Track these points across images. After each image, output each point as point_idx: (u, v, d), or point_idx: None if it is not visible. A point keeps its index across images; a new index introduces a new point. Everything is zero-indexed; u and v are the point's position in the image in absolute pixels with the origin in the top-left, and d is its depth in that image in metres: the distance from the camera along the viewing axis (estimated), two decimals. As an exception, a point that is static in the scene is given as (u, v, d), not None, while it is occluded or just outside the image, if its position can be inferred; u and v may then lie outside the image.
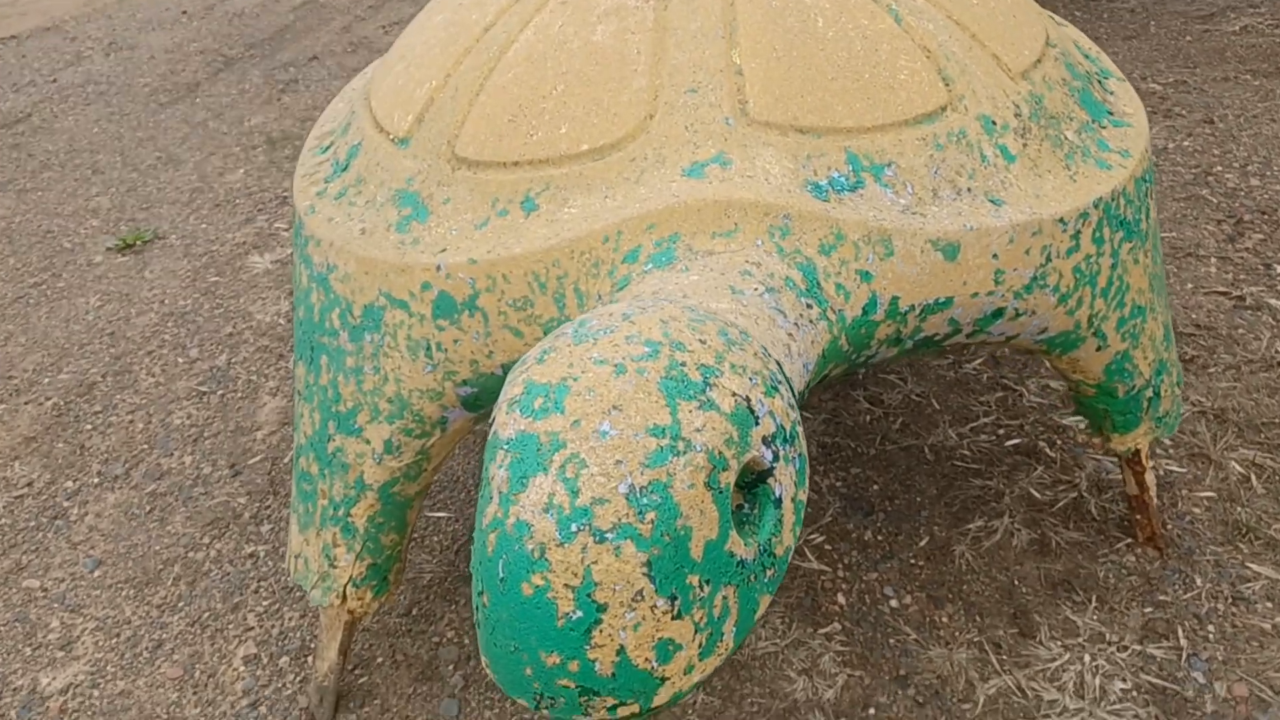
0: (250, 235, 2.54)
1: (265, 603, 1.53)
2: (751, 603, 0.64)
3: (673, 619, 0.59)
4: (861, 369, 1.04)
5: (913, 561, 1.46)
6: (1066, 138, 1.12)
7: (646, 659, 0.58)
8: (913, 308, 0.98)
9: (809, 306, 0.89)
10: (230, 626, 1.50)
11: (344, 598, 1.25)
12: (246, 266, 2.41)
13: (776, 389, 0.67)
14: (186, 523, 1.69)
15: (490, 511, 0.60)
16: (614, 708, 0.59)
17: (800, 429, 0.69)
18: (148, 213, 2.69)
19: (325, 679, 1.33)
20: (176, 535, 1.67)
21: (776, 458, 0.65)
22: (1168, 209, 2.16)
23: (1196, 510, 1.47)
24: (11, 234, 2.65)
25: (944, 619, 1.38)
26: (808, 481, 0.69)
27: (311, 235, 1.20)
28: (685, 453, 0.59)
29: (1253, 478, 1.51)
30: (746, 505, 0.66)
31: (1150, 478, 1.35)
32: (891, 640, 1.36)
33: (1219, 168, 2.26)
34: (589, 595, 0.57)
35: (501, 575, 0.58)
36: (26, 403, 2.01)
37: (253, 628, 1.50)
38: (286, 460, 1.80)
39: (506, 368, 1.07)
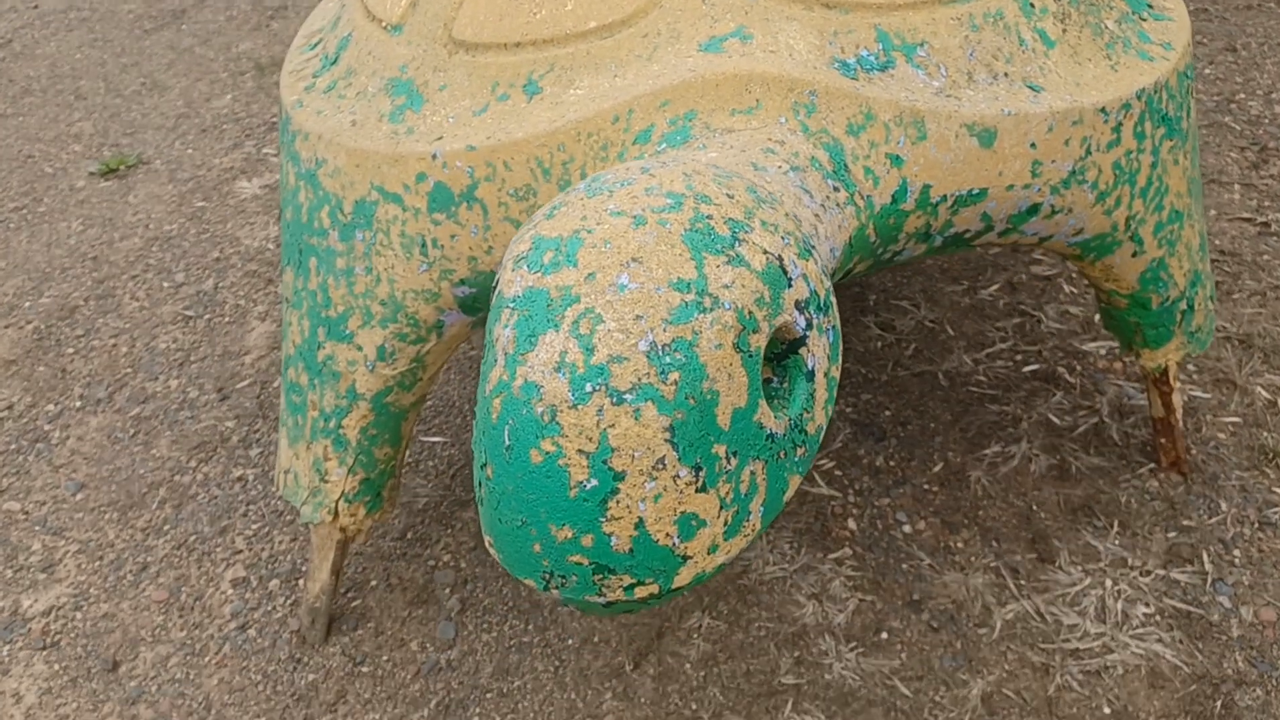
0: (238, 160, 2.45)
1: (254, 526, 1.48)
2: (781, 482, 0.58)
3: (697, 491, 0.53)
4: (886, 266, 0.98)
5: (926, 487, 1.41)
6: (1107, 26, 1.05)
7: (667, 534, 0.52)
8: (945, 198, 0.92)
9: (836, 189, 0.82)
10: (218, 550, 1.45)
11: (336, 514, 1.20)
12: (234, 191, 2.33)
13: (811, 252, 0.60)
14: (172, 446, 1.63)
15: (495, 375, 0.54)
16: (631, 587, 0.53)
17: (834, 300, 0.63)
18: (132, 138, 2.60)
19: (317, 600, 1.28)
20: (162, 459, 1.61)
21: (810, 325, 0.58)
22: (1189, 136, 2.09)
23: (1221, 436, 1.42)
24: (-9, 159, 2.56)
25: (959, 544, 1.33)
26: (841, 357, 0.63)
27: (299, 130, 1.13)
28: (713, 309, 0.53)
29: (1279, 402, 1.45)
30: (776, 379, 0.60)
31: (1178, 399, 1.30)
32: (904, 565, 1.31)
33: (1242, 95, 2.18)
34: (605, 462, 0.51)
35: (508, 443, 0.52)
36: (6, 326, 1.94)
37: (241, 551, 1.44)
38: (276, 384, 1.74)
39: (507, 265, 1.01)
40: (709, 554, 0.54)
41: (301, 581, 1.37)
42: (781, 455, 0.57)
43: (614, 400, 0.50)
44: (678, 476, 0.52)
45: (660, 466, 0.51)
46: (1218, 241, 1.78)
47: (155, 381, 1.78)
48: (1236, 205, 1.86)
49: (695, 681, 1.20)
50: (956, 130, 0.90)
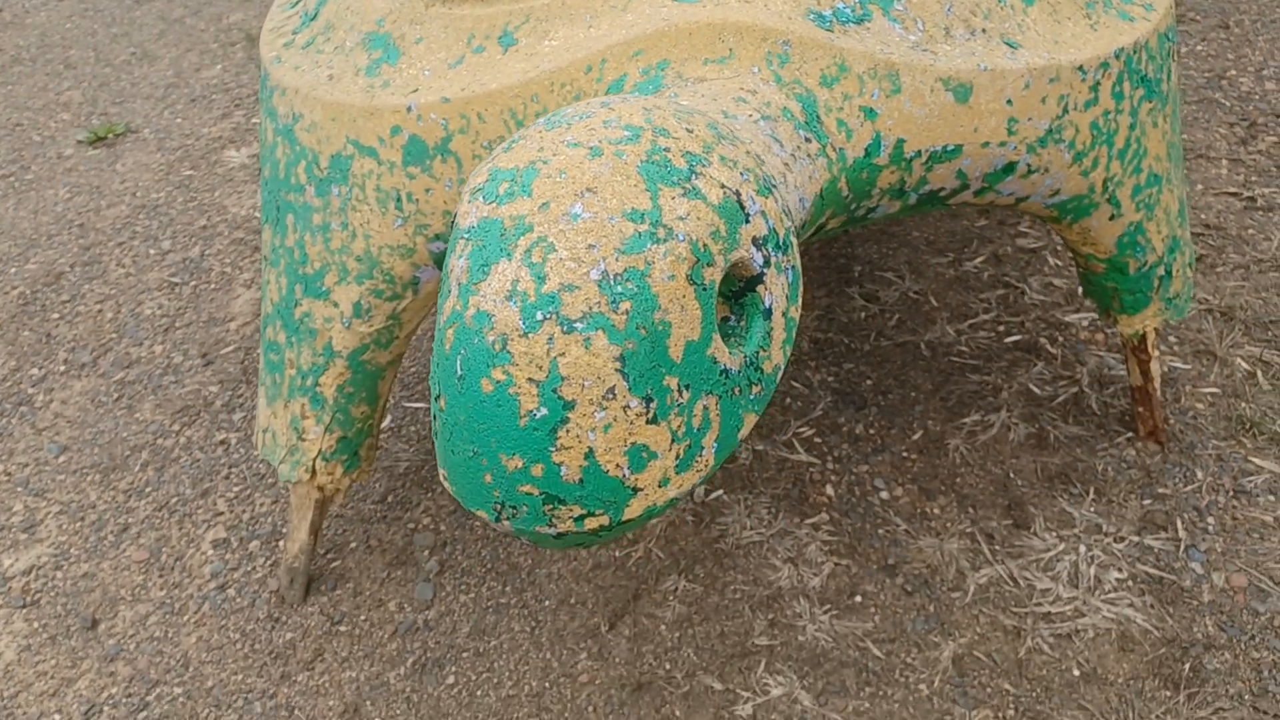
0: (227, 130, 2.45)
1: (236, 489, 1.48)
2: (735, 419, 0.58)
3: (647, 423, 0.53)
4: (860, 225, 0.98)
5: (905, 455, 1.41)
6: (1086, -13, 1.04)
7: (618, 465, 0.52)
8: (919, 153, 0.91)
9: (807, 140, 0.82)
10: (199, 511, 1.45)
11: (313, 472, 1.20)
12: (222, 160, 2.32)
13: (771, 190, 0.60)
14: (156, 410, 1.63)
15: (448, 306, 0.54)
16: (581, 518, 0.53)
17: (795, 240, 0.63)
18: (121, 107, 2.59)
19: (295, 560, 1.28)
20: (145, 423, 1.61)
21: (767, 263, 0.58)
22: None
23: (1200, 406, 1.42)
24: (-21, 126, 2.55)
25: (935, 511, 1.33)
26: (800, 298, 0.63)
27: (277, 85, 1.12)
28: (666, 240, 0.53)
29: (1259, 374, 1.45)
30: (734, 318, 0.60)
31: (1156, 367, 1.30)
32: (880, 531, 1.31)
33: (1233, 72, 2.18)
34: (555, 391, 0.50)
35: (460, 372, 0.52)
36: (-9, 291, 1.94)
37: (222, 513, 1.44)
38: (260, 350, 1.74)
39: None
40: (660, 487, 0.54)
41: (281, 543, 1.38)
42: (736, 392, 0.57)
43: (564, 329, 0.50)
44: (628, 407, 0.52)
45: (610, 396, 0.51)
46: (1204, 215, 1.77)
47: (140, 347, 1.77)
48: (1224, 180, 1.86)
49: (670, 642, 1.20)
50: (932, 85, 0.90)
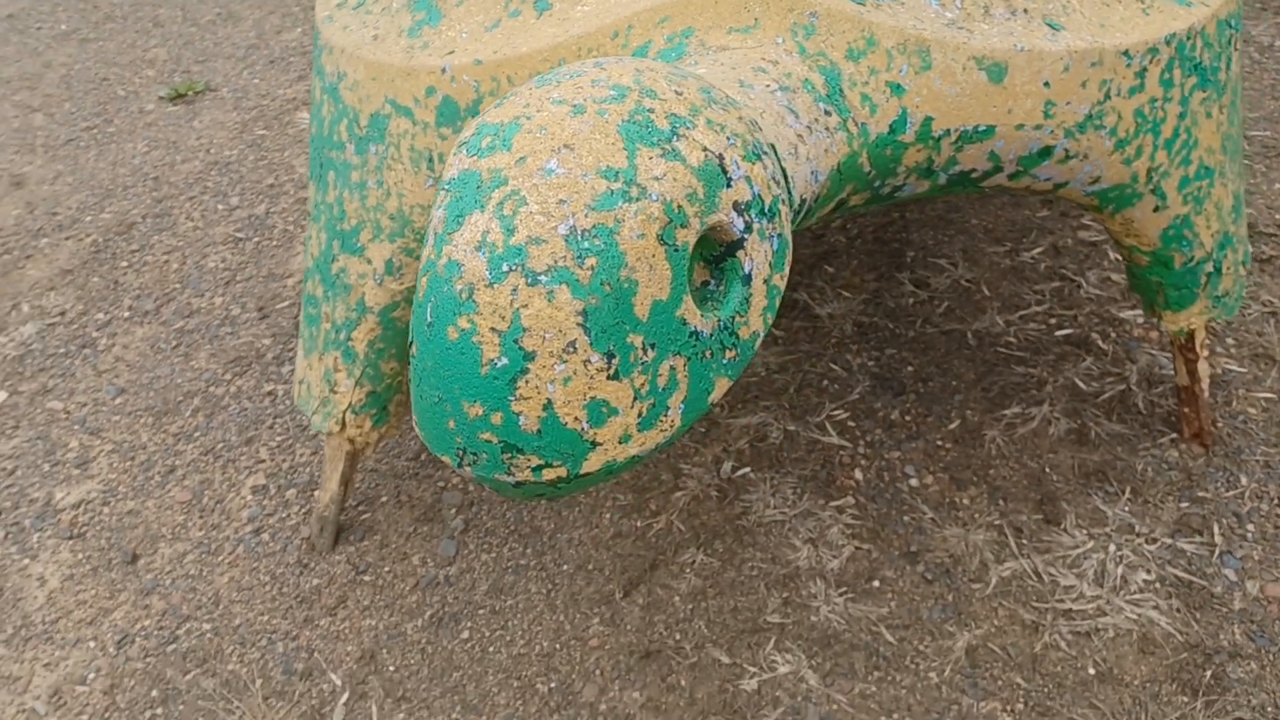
0: (301, 92, 2.50)
1: (279, 438, 1.52)
2: (705, 382, 0.58)
3: (608, 379, 0.53)
4: (887, 203, 0.96)
5: (939, 443, 1.39)
6: (1142, -32, 1.01)
7: (576, 418, 0.53)
8: (948, 132, 0.90)
9: (827, 113, 0.81)
10: (242, 458, 1.50)
11: (343, 424, 1.23)
12: (294, 122, 2.38)
13: (759, 157, 0.60)
14: (210, 359, 1.69)
15: (425, 254, 0.55)
16: (539, 468, 0.53)
17: (784, 209, 0.62)
18: (202, 66, 2.67)
19: (326, 509, 1.32)
20: (199, 370, 1.67)
21: (749, 229, 0.58)
22: (1264, 107, 2.00)
23: (1252, 410, 1.37)
24: (70, 80, 2.65)
25: (965, 501, 1.31)
26: (787, 267, 0.62)
27: (325, 44, 1.15)
28: (638, 199, 0.53)
29: (1320, 382, 1.40)
30: (714, 282, 0.60)
31: (1203, 368, 1.25)
32: (906, 518, 1.29)
33: (1326, 68, 2.08)
34: (516, 341, 0.51)
35: (429, 319, 0.53)
36: (67, 238, 2.02)
37: (264, 460, 1.49)
38: (313, 306, 1.78)
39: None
40: (620, 443, 0.54)
41: (316, 493, 1.42)
42: (708, 355, 0.57)
43: (529, 281, 0.51)
44: (589, 361, 0.52)
45: (571, 350, 0.52)
46: (1278, 215, 1.70)
47: (201, 298, 1.83)
48: (1303, 180, 1.78)
49: (682, 614, 1.21)
50: (964, 63, 0.88)
